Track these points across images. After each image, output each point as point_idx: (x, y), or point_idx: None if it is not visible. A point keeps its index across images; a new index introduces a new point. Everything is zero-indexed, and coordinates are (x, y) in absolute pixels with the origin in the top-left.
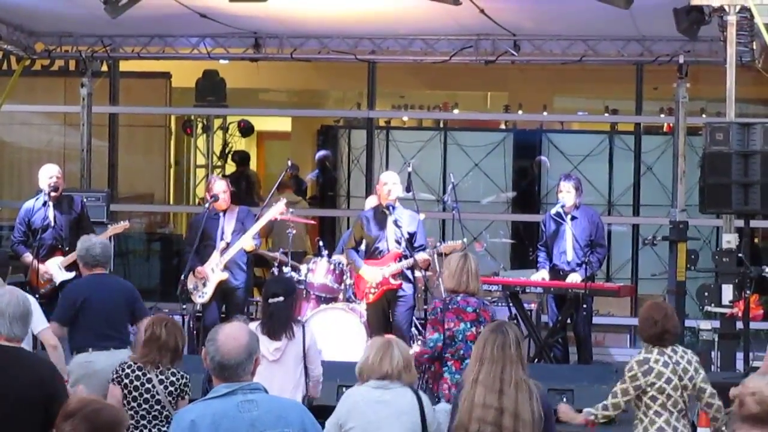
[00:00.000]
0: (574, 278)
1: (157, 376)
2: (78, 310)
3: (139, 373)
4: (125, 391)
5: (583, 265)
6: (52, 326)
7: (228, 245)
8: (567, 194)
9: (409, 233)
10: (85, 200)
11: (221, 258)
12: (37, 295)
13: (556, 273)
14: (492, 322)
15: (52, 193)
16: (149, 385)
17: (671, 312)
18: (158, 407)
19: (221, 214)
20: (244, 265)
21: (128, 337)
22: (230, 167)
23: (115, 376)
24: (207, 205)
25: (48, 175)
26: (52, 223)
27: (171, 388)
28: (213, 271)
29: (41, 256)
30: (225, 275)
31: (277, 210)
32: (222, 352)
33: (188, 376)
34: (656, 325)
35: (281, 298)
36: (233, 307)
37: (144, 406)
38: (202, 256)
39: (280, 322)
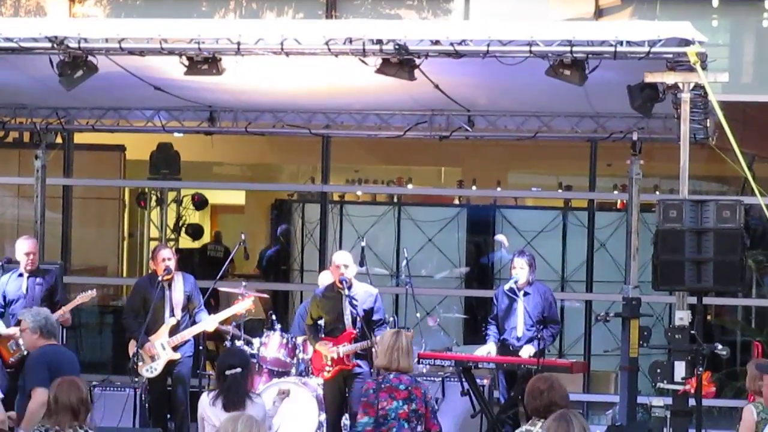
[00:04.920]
0: (527, 351)
1: None
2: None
3: None
4: None
5: (535, 340)
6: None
7: (178, 323)
8: (520, 270)
9: (365, 310)
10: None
11: (171, 338)
12: (8, 369)
13: (506, 348)
14: (558, 411)
15: (28, 268)
16: None
17: (557, 383)
18: None
19: (166, 284)
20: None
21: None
22: (184, 240)
23: None
24: (159, 278)
25: (24, 250)
26: (24, 294)
27: None
28: (164, 349)
29: (12, 326)
30: (177, 356)
31: (244, 306)
32: None
33: None
34: (542, 396)
35: (238, 370)
36: (178, 377)
37: None
38: (148, 328)
39: (239, 394)
